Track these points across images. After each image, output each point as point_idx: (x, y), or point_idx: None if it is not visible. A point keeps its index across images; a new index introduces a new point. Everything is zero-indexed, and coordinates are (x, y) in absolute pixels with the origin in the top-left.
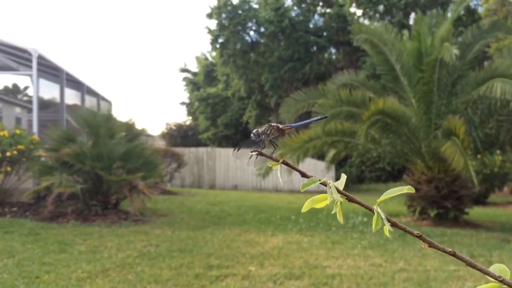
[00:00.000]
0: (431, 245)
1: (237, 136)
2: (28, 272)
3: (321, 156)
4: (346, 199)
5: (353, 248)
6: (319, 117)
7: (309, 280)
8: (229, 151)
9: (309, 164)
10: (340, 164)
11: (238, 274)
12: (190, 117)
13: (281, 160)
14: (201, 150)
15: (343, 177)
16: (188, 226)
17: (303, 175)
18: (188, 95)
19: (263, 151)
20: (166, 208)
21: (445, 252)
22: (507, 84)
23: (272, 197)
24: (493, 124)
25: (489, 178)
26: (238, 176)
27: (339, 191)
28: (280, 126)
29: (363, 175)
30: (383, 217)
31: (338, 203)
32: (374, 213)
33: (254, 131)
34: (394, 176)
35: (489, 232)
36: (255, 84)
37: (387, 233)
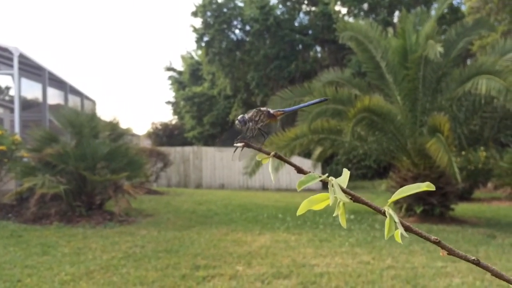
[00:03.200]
0: (451, 252)
1: (223, 135)
2: (9, 275)
3: (307, 154)
4: (351, 199)
5: (341, 246)
6: (317, 99)
7: (297, 279)
8: (216, 150)
9: (295, 162)
10: (326, 162)
11: (226, 274)
12: (176, 116)
13: (272, 153)
14: (187, 149)
15: (346, 173)
16: (174, 226)
17: (300, 170)
18: (173, 94)
19: (252, 141)
20: (151, 208)
21: (468, 261)
22: (493, 81)
23: (259, 195)
24: (478, 121)
25: (473, 174)
26: (225, 175)
27: (343, 190)
28: (271, 111)
29: (350, 171)
30: (396, 220)
31: (341, 204)
32: (382, 215)
33: (239, 117)
34: (380, 173)
35: (475, 228)
36: (241, 83)
37: (398, 239)
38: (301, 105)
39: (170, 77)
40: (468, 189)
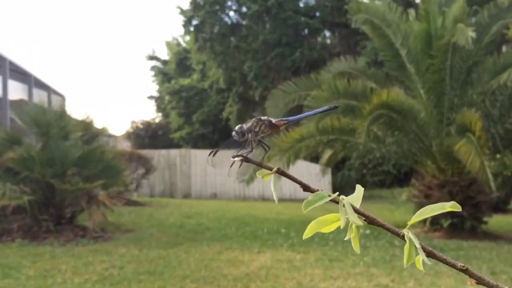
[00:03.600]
0: (480, 281)
1: (215, 136)
2: None
3: (315, 158)
4: (365, 220)
5: (355, 267)
6: (326, 107)
7: None
8: (207, 153)
9: (301, 168)
10: (337, 167)
11: None
12: (160, 114)
13: (275, 169)
14: (174, 152)
15: (359, 190)
16: (159, 243)
17: (306, 188)
18: (157, 87)
19: (250, 155)
20: (132, 222)
21: None
22: None
23: (258, 207)
24: None
25: (510, 181)
26: (218, 182)
27: (356, 210)
28: (273, 120)
29: (364, 179)
30: (417, 246)
31: (354, 226)
32: (401, 239)
33: (237, 127)
34: (401, 180)
35: None
36: (237, 74)
37: (419, 266)
38: (307, 113)
39: (153, 68)
40: (504, 198)
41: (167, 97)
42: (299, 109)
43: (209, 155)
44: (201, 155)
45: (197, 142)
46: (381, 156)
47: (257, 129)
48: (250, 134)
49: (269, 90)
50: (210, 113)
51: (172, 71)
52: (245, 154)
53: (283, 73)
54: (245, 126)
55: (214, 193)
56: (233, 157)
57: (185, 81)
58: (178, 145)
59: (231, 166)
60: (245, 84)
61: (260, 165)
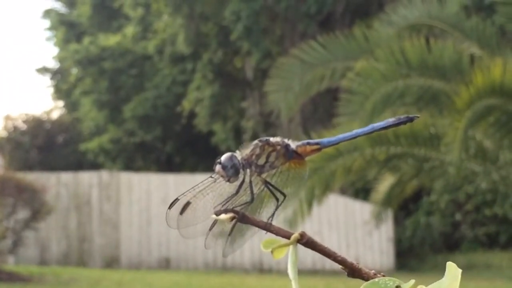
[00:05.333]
0: None
1: (166, 147)
2: None
3: (362, 192)
4: None
5: None
6: (394, 119)
7: None
8: (150, 180)
9: (336, 206)
10: (405, 210)
11: None
12: (62, 104)
13: (296, 234)
14: (87, 177)
15: (453, 272)
16: None
17: (342, 263)
18: (56, 51)
19: (248, 210)
20: None
21: None
22: None
23: (250, 284)
24: None
25: None
26: (172, 239)
27: None
28: (292, 144)
29: (457, 232)
30: None
31: None
32: None
33: (224, 158)
34: None
35: None
36: (211, 27)
37: None
38: (359, 131)
39: (48, 14)
40: None
41: (74, 71)
42: (330, 96)
43: (170, 207)
44: (140, 183)
45: (132, 158)
46: (490, 188)
47: (262, 161)
48: (248, 170)
49: (273, 58)
50: (157, 102)
51: (86, 20)
52: (239, 208)
53: (301, 26)
54: (239, 154)
55: (166, 257)
56: (216, 213)
57: (111, 40)
58: (95, 163)
59: (210, 229)
60: (227, 46)
61: (267, 229)
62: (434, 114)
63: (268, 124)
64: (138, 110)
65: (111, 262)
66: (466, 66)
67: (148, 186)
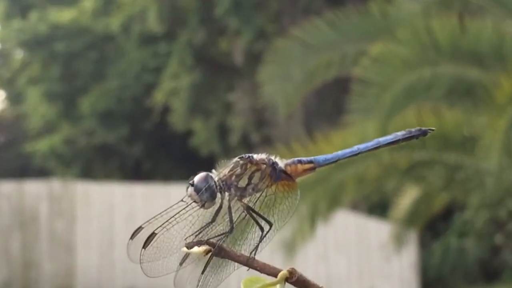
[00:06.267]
0: None
1: (134, 150)
2: None
3: (379, 206)
4: None
5: None
6: (413, 130)
7: None
8: (115, 189)
9: (346, 225)
10: (433, 229)
11: None
12: (3, 95)
13: (283, 272)
14: (34, 187)
15: None
16: None
17: None
18: None
19: (226, 241)
20: None
21: None
22: None
23: None
24: None
25: None
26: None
27: None
28: (280, 163)
29: (497, 257)
30: None
31: None
32: None
33: (197, 179)
34: None
35: None
36: (191, 0)
37: None
38: (363, 146)
39: None
40: None
41: (19, 54)
42: (339, 87)
43: (132, 237)
44: (100, 196)
45: (91, 163)
46: None
47: (242, 182)
48: (227, 193)
49: (268, 39)
50: (123, 93)
51: None
52: (216, 239)
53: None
54: (216, 175)
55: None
56: (188, 246)
57: (64, 16)
58: (44, 169)
59: (181, 264)
60: (210, 24)
61: (249, 265)
62: (469, 111)
63: (262, 122)
64: (98, 104)
65: None
66: (509, 51)
67: (110, 198)
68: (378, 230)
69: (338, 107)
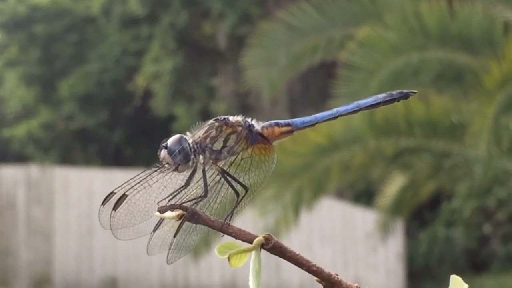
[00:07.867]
0: None
1: (114, 135)
2: None
3: (364, 194)
4: None
5: None
6: (394, 92)
7: None
8: (91, 177)
9: (331, 213)
10: (419, 219)
11: None
12: None
13: (259, 238)
14: (11, 173)
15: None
16: None
17: (318, 274)
18: None
19: (200, 204)
20: None
21: None
22: None
23: None
24: None
25: None
26: (121, 251)
27: None
28: (256, 125)
29: (485, 247)
30: None
31: None
32: None
33: (171, 141)
34: None
35: None
36: None
37: None
38: (345, 108)
39: None
40: None
41: None
42: (324, 72)
43: (104, 203)
44: (79, 182)
45: (70, 149)
46: None
47: (217, 145)
48: (201, 156)
49: (253, 22)
50: (104, 77)
51: None
52: (189, 204)
53: None
54: (190, 137)
55: (112, 277)
56: (160, 210)
57: None
58: (22, 155)
59: (154, 231)
60: (193, 6)
61: (224, 231)
62: (457, 97)
63: (246, 107)
64: (78, 88)
65: (41, 282)
66: (499, 36)
67: (90, 185)
68: (364, 219)
69: (323, 92)
